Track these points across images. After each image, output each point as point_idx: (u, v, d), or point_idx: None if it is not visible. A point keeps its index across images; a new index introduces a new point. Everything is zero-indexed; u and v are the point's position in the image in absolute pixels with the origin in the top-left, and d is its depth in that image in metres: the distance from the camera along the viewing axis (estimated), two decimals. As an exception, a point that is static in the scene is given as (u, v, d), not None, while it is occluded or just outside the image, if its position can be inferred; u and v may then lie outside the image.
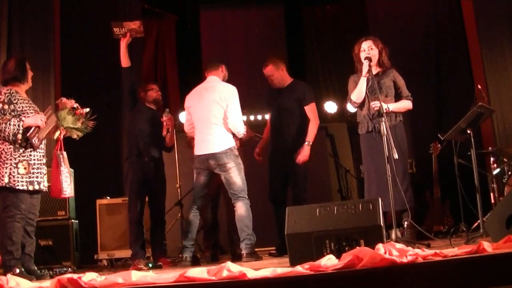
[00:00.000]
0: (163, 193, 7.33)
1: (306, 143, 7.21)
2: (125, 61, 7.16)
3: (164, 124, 7.18)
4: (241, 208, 6.69)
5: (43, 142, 6.08)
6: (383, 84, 6.41)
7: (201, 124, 6.80)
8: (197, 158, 6.79)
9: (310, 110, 7.40)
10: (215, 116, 6.77)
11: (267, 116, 7.99)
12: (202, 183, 6.79)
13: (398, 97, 6.47)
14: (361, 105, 6.54)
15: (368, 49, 6.49)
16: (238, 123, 6.82)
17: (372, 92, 6.41)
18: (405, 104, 6.47)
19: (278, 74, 7.44)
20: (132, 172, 7.15)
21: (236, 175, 6.73)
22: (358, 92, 6.45)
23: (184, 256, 6.68)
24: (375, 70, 6.42)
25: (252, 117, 9.73)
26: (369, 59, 6.32)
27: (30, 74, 6.15)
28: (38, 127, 5.85)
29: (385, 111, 6.08)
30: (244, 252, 6.62)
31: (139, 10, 10.32)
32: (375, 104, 6.21)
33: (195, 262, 6.82)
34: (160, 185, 7.26)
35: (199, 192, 6.80)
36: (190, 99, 6.95)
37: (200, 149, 6.77)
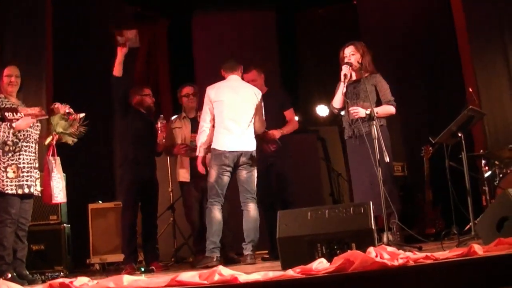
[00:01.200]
0: (156, 198, 7.33)
1: (278, 131, 7.26)
2: (119, 71, 7.09)
3: (159, 131, 7.20)
4: (255, 210, 6.76)
5: (35, 146, 6.07)
6: (362, 89, 6.43)
7: (232, 121, 6.76)
8: (223, 154, 6.66)
9: (291, 114, 7.55)
10: (249, 115, 6.87)
11: None
12: (226, 182, 6.74)
13: (380, 102, 6.50)
14: (341, 110, 6.61)
15: (349, 55, 6.55)
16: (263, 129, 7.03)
17: (351, 98, 6.48)
18: (387, 109, 6.47)
19: (261, 81, 7.50)
20: (127, 177, 7.15)
21: (255, 176, 6.83)
22: (337, 97, 6.59)
23: (215, 256, 6.51)
24: (355, 76, 6.47)
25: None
26: (349, 64, 6.39)
27: (5, 81, 6.01)
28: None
29: (364, 115, 6.17)
30: (249, 253, 6.63)
31: (131, 14, 10.32)
32: (353, 110, 6.32)
33: (232, 262, 6.87)
34: (153, 190, 7.27)
35: (222, 189, 6.71)
36: (221, 94, 6.83)
37: (230, 145, 6.70)
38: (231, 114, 6.78)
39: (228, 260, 7.03)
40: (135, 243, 7.10)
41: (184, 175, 7.39)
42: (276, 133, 7.23)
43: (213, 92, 6.84)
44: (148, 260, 7.16)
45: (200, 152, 6.83)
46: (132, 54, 10.09)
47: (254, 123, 6.93)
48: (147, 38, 11.14)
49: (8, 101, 5.96)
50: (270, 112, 7.27)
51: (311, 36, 11.56)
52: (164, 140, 7.27)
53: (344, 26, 11.07)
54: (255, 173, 6.84)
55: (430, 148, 8.10)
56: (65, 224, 7.55)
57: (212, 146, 6.74)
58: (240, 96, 6.87)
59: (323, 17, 11.48)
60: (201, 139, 6.79)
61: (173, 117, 7.78)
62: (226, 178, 6.73)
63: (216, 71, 9.84)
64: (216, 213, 6.64)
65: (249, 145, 6.82)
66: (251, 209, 6.74)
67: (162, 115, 7.37)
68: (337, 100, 6.59)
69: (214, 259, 6.39)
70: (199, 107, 7.41)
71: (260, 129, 7.00)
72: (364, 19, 10.65)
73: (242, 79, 7.13)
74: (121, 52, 6.95)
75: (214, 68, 10.25)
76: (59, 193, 6.10)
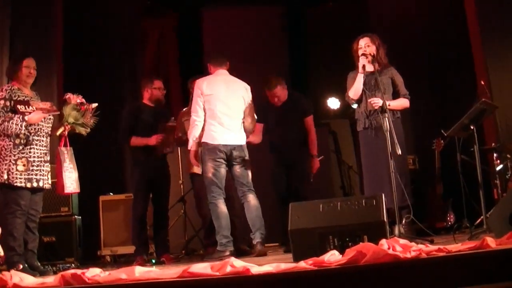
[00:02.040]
0: (167, 191, 7.36)
1: (315, 156, 7.44)
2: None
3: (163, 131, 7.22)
4: (255, 199, 6.76)
5: (46, 140, 6.08)
6: (380, 81, 6.42)
7: (224, 115, 6.77)
8: (217, 148, 6.67)
9: (311, 122, 7.57)
10: (241, 110, 6.91)
11: None
12: (224, 174, 6.75)
13: (396, 95, 6.53)
14: (358, 102, 6.60)
15: (365, 46, 6.56)
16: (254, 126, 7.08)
17: (370, 89, 6.47)
18: (403, 102, 6.55)
19: (284, 93, 7.53)
20: (139, 169, 7.18)
21: (249, 168, 6.86)
22: (355, 88, 6.57)
23: (229, 250, 6.50)
24: (372, 67, 6.46)
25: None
26: (365, 55, 6.39)
27: (25, 72, 6.08)
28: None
29: (387, 106, 6.15)
30: (258, 241, 6.65)
31: (140, 7, 10.33)
32: (373, 101, 6.28)
33: (243, 254, 6.86)
34: (165, 183, 7.29)
35: (222, 183, 6.73)
36: (213, 87, 6.81)
37: (223, 139, 6.71)
38: (224, 108, 6.79)
39: (240, 252, 7.03)
40: (145, 235, 7.13)
41: (197, 167, 7.38)
42: (316, 165, 7.48)
43: (204, 85, 6.80)
44: (158, 252, 7.19)
45: (193, 146, 6.77)
46: (141, 47, 10.22)
47: (244, 118, 6.94)
48: (157, 31, 11.14)
49: (21, 93, 5.98)
50: (292, 119, 7.35)
51: (321, 30, 11.51)
52: (161, 141, 7.21)
53: (354, 20, 11.01)
54: (248, 164, 6.87)
55: (442, 141, 8.07)
56: (76, 216, 7.58)
57: (204, 141, 6.72)
58: (232, 90, 6.89)
59: (333, 11, 11.43)
60: (194, 133, 6.71)
61: (184, 109, 7.76)
62: (223, 171, 6.74)
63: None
64: (222, 207, 6.65)
65: (242, 139, 6.87)
66: (251, 199, 6.76)
67: (173, 118, 7.39)
68: (356, 91, 6.57)
69: (228, 253, 6.36)
70: None
71: (251, 125, 7.02)
72: (374, 13, 10.61)
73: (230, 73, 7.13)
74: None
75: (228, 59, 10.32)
76: (71, 183, 6.10)
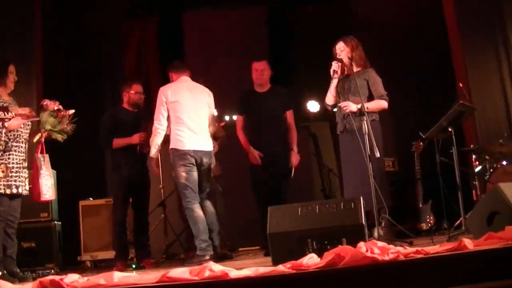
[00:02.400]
0: (147, 195, 7.35)
1: (295, 150, 7.37)
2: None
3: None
4: (211, 206, 6.86)
5: (25, 146, 6.05)
6: (352, 84, 6.44)
7: (192, 121, 6.77)
8: (188, 154, 6.65)
9: (292, 115, 7.53)
10: (205, 116, 6.93)
11: (234, 117, 8.00)
12: (196, 178, 6.74)
13: (372, 97, 6.50)
14: (334, 106, 6.66)
15: (339, 51, 6.56)
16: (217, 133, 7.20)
17: (343, 93, 6.51)
18: (378, 104, 6.48)
19: (268, 74, 7.51)
20: (118, 173, 7.16)
21: (211, 175, 6.94)
22: (328, 94, 6.67)
23: (209, 254, 6.46)
24: (348, 70, 6.49)
25: (234, 117, 9.71)
26: (338, 60, 6.42)
27: (11, 78, 6.09)
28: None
29: (355, 110, 6.20)
30: (219, 244, 6.76)
31: (120, 10, 10.29)
32: (343, 105, 6.33)
33: (224, 258, 6.85)
34: (145, 187, 7.27)
35: (195, 186, 6.70)
36: (178, 94, 6.81)
37: (193, 145, 6.70)
38: (191, 114, 6.80)
39: (219, 256, 7.03)
40: (125, 239, 7.11)
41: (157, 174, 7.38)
42: (296, 159, 7.40)
43: (169, 92, 6.79)
44: (139, 256, 7.17)
45: (155, 154, 6.77)
46: (121, 50, 10.19)
47: (209, 124, 6.99)
48: (138, 34, 11.11)
49: (0, 99, 5.94)
50: (272, 109, 7.30)
51: (302, 32, 11.52)
52: (143, 139, 7.18)
53: (335, 22, 11.03)
54: (211, 172, 6.93)
55: (421, 143, 8.10)
56: (56, 222, 7.53)
57: (173, 147, 6.69)
58: (196, 96, 6.91)
59: (315, 14, 11.44)
60: (157, 141, 6.70)
61: None
62: (195, 175, 6.73)
63: (207, 68, 9.88)
64: (199, 211, 6.64)
65: (209, 145, 6.90)
66: (209, 205, 6.83)
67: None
68: (329, 97, 6.64)
69: (207, 257, 6.35)
70: None
71: (215, 131, 7.13)
72: (355, 15, 10.65)
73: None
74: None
75: (205, 65, 10.30)
76: (47, 190, 6.07)
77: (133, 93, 7.35)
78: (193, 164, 6.68)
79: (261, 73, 7.46)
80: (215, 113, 7.37)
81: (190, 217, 6.62)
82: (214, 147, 7.09)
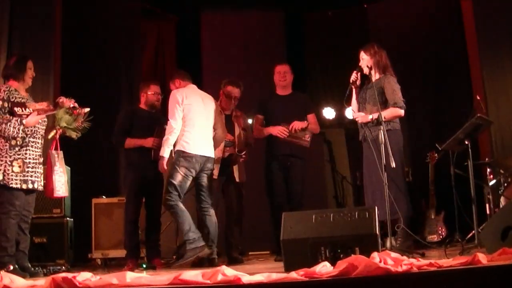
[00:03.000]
0: (160, 195, 7.32)
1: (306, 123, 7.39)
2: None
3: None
4: (214, 215, 6.86)
5: (41, 141, 6.08)
6: (368, 93, 6.42)
7: (202, 126, 6.81)
8: (195, 158, 6.67)
9: (313, 118, 7.58)
10: (212, 124, 6.99)
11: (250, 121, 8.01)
12: (187, 187, 6.80)
13: (386, 104, 6.44)
14: None
15: (361, 60, 6.54)
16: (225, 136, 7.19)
17: (362, 102, 6.49)
18: (392, 111, 6.33)
19: (290, 77, 7.62)
20: (132, 172, 7.16)
21: (212, 182, 6.99)
22: (353, 101, 6.62)
23: (200, 245, 6.47)
24: (371, 79, 6.45)
25: (249, 121, 9.73)
26: (358, 70, 6.40)
27: (29, 73, 6.13)
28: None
29: (369, 120, 6.17)
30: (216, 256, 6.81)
31: (138, 10, 10.32)
32: (355, 116, 6.37)
33: (235, 262, 6.94)
34: (158, 187, 7.25)
35: (183, 192, 6.73)
36: (190, 98, 6.83)
37: (201, 149, 6.74)
38: (202, 119, 6.84)
39: (232, 259, 7.04)
40: (137, 238, 7.10)
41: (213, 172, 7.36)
42: (301, 124, 7.32)
43: (183, 94, 6.81)
44: (150, 256, 7.17)
45: (167, 153, 6.73)
46: (139, 49, 10.21)
47: (216, 128, 7.03)
48: (156, 34, 11.13)
49: (18, 94, 5.97)
50: (293, 113, 7.32)
51: (319, 38, 11.52)
52: (156, 145, 7.17)
53: (353, 29, 11.04)
54: (211, 180, 6.98)
55: (436, 154, 8.08)
56: (68, 218, 7.55)
57: (181, 149, 6.68)
58: (206, 103, 6.97)
59: (332, 20, 11.44)
60: (171, 140, 6.68)
61: None
62: (188, 183, 6.76)
63: (223, 69, 9.88)
64: (182, 206, 6.66)
65: (213, 151, 6.94)
66: (212, 214, 6.83)
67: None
68: (354, 105, 6.61)
69: (199, 249, 6.44)
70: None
71: (223, 134, 7.10)
72: (373, 23, 10.64)
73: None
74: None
75: (221, 66, 10.31)
76: (61, 187, 6.09)
77: (151, 94, 7.35)
78: (194, 171, 6.71)
79: (283, 75, 7.54)
80: (249, 121, 7.53)
81: (177, 213, 6.61)
82: (245, 155, 7.25)
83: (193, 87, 7.05)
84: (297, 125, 7.27)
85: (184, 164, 6.64)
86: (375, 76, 6.50)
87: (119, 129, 7.29)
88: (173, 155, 6.80)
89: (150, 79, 8.81)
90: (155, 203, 7.24)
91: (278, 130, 7.27)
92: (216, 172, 7.23)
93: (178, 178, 6.62)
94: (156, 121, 7.27)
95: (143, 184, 7.10)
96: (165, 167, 6.75)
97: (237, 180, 7.39)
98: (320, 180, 9.72)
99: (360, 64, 6.51)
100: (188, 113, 6.75)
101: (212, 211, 6.83)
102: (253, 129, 7.61)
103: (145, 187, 7.13)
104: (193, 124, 6.74)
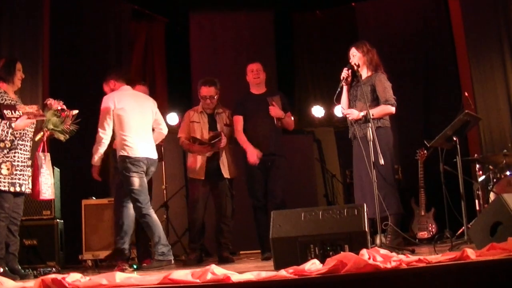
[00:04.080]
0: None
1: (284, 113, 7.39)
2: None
3: None
4: (155, 215, 6.79)
5: (30, 144, 6.06)
6: (359, 90, 6.43)
7: (140, 128, 6.78)
8: (141, 161, 6.66)
9: (290, 116, 7.58)
10: (150, 124, 6.96)
11: None
12: (146, 185, 6.79)
13: (378, 102, 6.46)
14: None
15: (351, 57, 6.55)
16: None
17: (352, 99, 6.49)
18: (383, 109, 6.37)
19: (263, 75, 7.56)
20: (118, 174, 7.13)
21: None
22: (343, 99, 6.61)
23: (168, 259, 6.51)
24: (361, 76, 6.46)
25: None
26: (348, 67, 6.41)
27: (18, 75, 6.11)
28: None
29: (360, 117, 6.19)
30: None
31: (129, 11, 10.31)
32: (345, 112, 6.38)
33: (226, 261, 7.01)
34: None
35: (147, 194, 6.77)
36: (124, 102, 6.74)
37: (144, 152, 6.72)
38: (139, 122, 6.79)
39: (223, 259, 7.05)
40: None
41: (199, 172, 7.34)
42: (280, 112, 7.34)
43: (114, 99, 6.73)
44: (140, 257, 7.16)
45: (97, 162, 6.74)
46: (128, 51, 10.19)
47: (160, 124, 7.06)
48: (145, 35, 11.11)
49: (8, 96, 5.95)
50: (267, 112, 7.28)
51: (308, 37, 11.53)
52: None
53: (341, 28, 11.06)
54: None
55: (425, 151, 8.11)
56: (58, 220, 7.54)
57: (124, 154, 6.65)
58: (140, 103, 6.90)
59: (321, 19, 11.45)
60: (101, 150, 6.64)
61: (190, 111, 7.69)
62: (145, 181, 6.78)
63: (212, 70, 9.87)
64: (155, 216, 6.70)
65: (155, 153, 6.92)
66: (154, 214, 6.79)
67: None
68: (344, 102, 6.60)
69: (165, 263, 6.45)
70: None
71: (166, 129, 7.13)
72: (362, 22, 10.66)
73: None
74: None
75: (211, 67, 10.31)
76: (47, 189, 6.07)
77: None
78: (143, 171, 6.71)
79: (257, 73, 7.49)
80: None
81: (149, 222, 6.60)
82: (220, 140, 7.19)
83: (127, 88, 6.95)
84: (275, 111, 7.29)
85: (135, 168, 6.62)
86: (367, 73, 6.52)
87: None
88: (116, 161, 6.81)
89: (136, 80, 8.76)
90: None
91: (254, 160, 7.21)
92: (202, 173, 7.25)
93: (135, 183, 6.59)
94: None
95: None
96: (97, 175, 6.80)
97: (225, 176, 7.34)
98: (310, 178, 9.74)
99: (350, 61, 6.51)
100: (122, 118, 6.68)
101: (152, 211, 6.74)
102: (234, 130, 7.54)
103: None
104: (130, 128, 6.68)
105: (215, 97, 7.43)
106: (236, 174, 7.45)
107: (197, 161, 7.34)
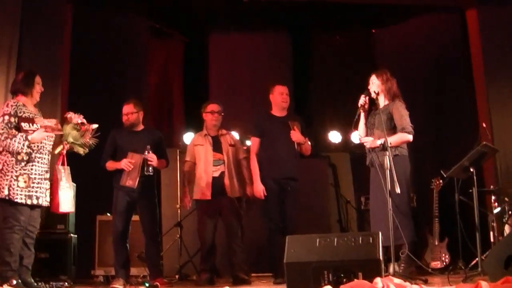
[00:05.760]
0: (152, 213, 7.14)
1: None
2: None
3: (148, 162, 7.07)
4: None
5: (48, 157, 6.09)
6: (377, 118, 6.45)
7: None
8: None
9: (307, 142, 7.47)
10: None
11: (248, 142, 7.99)
12: None
13: (395, 131, 6.44)
14: None
15: (371, 84, 6.58)
16: None
17: (370, 127, 6.51)
18: (400, 137, 6.36)
19: (288, 99, 7.52)
20: (117, 192, 7.10)
21: None
22: (360, 125, 6.64)
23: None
24: (379, 104, 6.49)
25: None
26: (367, 94, 6.44)
27: (37, 89, 6.16)
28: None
29: (377, 145, 6.18)
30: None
31: (147, 29, 10.38)
32: (363, 140, 6.38)
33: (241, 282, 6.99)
34: (147, 205, 7.11)
35: None
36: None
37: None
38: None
39: (237, 280, 7.02)
40: (124, 257, 7.01)
41: (205, 192, 7.30)
42: (301, 137, 7.33)
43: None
44: (152, 275, 7.14)
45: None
46: (146, 69, 10.25)
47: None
48: (164, 53, 11.18)
49: (26, 109, 6.01)
50: (287, 135, 7.28)
51: (326, 61, 11.54)
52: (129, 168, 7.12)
53: (359, 53, 11.08)
54: None
55: (440, 180, 8.09)
56: (71, 234, 7.55)
57: None
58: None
59: (340, 43, 11.48)
60: None
61: (196, 134, 7.73)
62: None
63: (230, 90, 9.90)
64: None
65: None
66: None
67: (149, 146, 7.07)
68: (361, 129, 6.62)
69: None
70: (222, 125, 7.55)
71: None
72: (380, 48, 10.68)
73: None
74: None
75: (229, 87, 10.35)
76: (66, 202, 6.11)
77: (124, 116, 7.28)
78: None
79: (287, 97, 7.46)
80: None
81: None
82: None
83: None
84: (296, 136, 7.27)
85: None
86: (384, 102, 6.54)
87: (105, 149, 7.23)
88: None
89: (155, 98, 8.74)
90: (148, 221, 7.10)
91: (259, 195, 7.20)
92: (208, 193, 7.25)
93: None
94: (138, 141, 7.17)
95: (129, 203, 7.01)
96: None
97: (230, 195, 7.30)
98: (323, 203, 9.70)
99: (368, 88, 6.54)
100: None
101: None
102: (249, 151, 7.50)
103: (133, 206, 7.05)
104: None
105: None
106: (241, 193, 7.44)
107: (202, 182, 7.35)
